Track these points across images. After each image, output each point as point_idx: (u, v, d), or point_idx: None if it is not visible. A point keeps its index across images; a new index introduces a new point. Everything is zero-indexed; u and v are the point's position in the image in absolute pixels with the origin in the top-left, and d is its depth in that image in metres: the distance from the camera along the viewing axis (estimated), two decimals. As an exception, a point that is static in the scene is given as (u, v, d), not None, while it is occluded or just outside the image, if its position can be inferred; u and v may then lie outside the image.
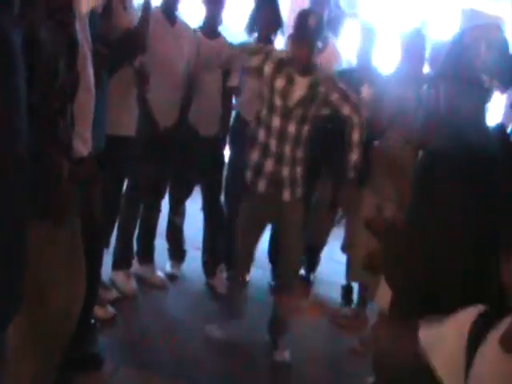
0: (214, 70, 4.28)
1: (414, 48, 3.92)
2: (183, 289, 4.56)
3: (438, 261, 1.81)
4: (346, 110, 3.58)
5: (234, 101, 4.55)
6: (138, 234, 4.40)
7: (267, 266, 4.64)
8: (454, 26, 5.60)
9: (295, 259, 3.82)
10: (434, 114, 2.20)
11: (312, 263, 4.74)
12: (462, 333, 1.46)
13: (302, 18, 3.53)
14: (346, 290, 4.54)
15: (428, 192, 1.89)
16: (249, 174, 3.68)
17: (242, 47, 4.10)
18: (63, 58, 1.84)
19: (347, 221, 4.41)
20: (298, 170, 3.65)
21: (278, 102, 3.53)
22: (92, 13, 2.71)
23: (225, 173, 4.57)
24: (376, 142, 4.08)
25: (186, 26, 4.22)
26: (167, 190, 4.52)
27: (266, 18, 4.34)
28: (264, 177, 3.62)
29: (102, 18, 3.11)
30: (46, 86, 1.77)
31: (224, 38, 4.38)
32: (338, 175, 4.07)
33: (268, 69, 3.54)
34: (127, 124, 3.66)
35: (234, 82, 4.32)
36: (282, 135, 3.56)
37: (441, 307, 1.61)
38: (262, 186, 3.64)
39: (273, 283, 4.57)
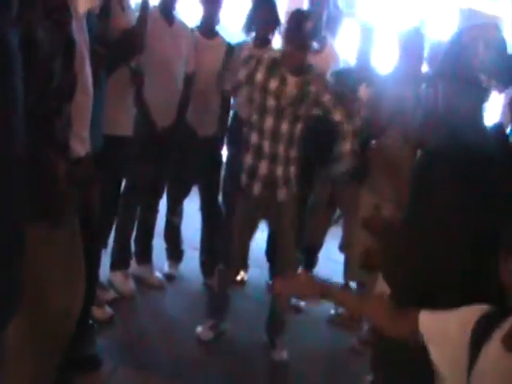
0: (211, 70, 4.27)
1: (412, 47, 3.92)
2: (181, 289, 4.55)
3: (435, 260, 1.81)
4: (337, 116, 3.60)
5: (231, 101, 4.54)
6: (136, 234, 4.40)
7: (265, 265, 4.63)
8: (451, 25, 5.60)
9: (292, 258, 3.82)
10: (433, 113, 2.19)
11: (310, 263, 4.74)
12: (466, 330, 1.46)
13: (296, 18, 3.54)
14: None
15: (426, 191, 1.89)
16: (243, 177, 3.69)
17: (234, 62, 4.15)
18: (60, 58, 1.84)
19: (345, 220, 4.41)
20: (292, 169, 3.67)
21: (270, 102, 3.54)
22: (90, 13, 2.71)
23: (222, 173, 4.57)
24: (374, 142, 4.08)
25: (184, 26, 4.21)
26: (165, 190, 4.52)
27: (263, 17, 4.33)
28: (259, 179, 3.64)
29: (100, 18, 3.10)
30: (43, 86, 1.77)
31: (222, 37, 4.38)
32: (331, 174, 4.09)
33: (260, 75, 3.56)
34: (124, 124, 3.65)
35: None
36: (274, 135, 3.57)
37: (439, 307, 1.61)
38: (257, 188, 3.64)
39: (270, 282, 4.57)
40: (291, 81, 3.54)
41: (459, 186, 1.82)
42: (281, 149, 3.59)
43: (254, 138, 3.62)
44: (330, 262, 4.89)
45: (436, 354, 1.53)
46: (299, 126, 3.60)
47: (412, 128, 3.71)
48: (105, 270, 4.01)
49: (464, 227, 1.80)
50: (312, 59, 4.24)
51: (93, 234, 2.83)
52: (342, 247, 4.43)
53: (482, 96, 1.94)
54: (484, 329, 1.44)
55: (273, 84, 3.53)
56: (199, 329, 3.87)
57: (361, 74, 4.11)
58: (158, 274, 4.52)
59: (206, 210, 4.58)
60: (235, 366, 3.68)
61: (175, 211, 4.64)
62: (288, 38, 3.57)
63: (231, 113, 4.57)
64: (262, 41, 4.34)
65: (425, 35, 4.03)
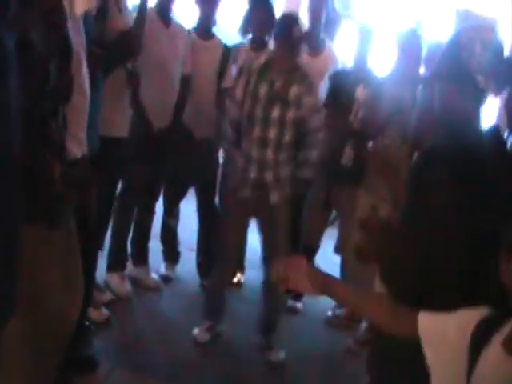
0: (208, 71, 4.27)
1: (410, 48, 3.93)
2: (178, 290, 4.55)
3: (433, 261, 1.81)
4: (312, 123, 3.64)
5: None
6: (133, 236, 4.39)
7: (261, 266, 4.63)
8: (448, 26, 5.61)
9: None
10: (430, 114, 2.19)
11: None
12: (465, 334, 1.45)
13: (285, 22, 3.58)
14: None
15: (423, 192, 1.89)
16: (233, 180, 3.73)
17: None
18: (56, 60, 1.83)
19: (341, 222, 4.41)
20: (283, 172, 3.68)
21: (259, 108, 3.57)
22: (87, 14, 2.71)
23: (219, 174, 4.57)
24: (371, 143, 4.08)
25: (181, 27, 4.21)
26: (161, 192, 4.51)
27: (259, 19, 4.33)
28: (248, 183, 3.66)
29: (97, 19, 3.10)
30: (39, 88, 1.76)
31: (218, 39, 4.38)
32: (328, 175, 4.11)
33: (252, 83, 3.59)
34: (120, 125, 3.65)
35: (228, 83, 4.31)
36: (263, 140, 3.60)
37: (437, 308, 1.61)
38: (246, 191, 3.67)
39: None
40: (279, 84, 3.57)
41: (456, 186, 1.82)
42: (269, 153, 3.61)
43: (243, 142, 3.65)
44: (327, 262, 4.88)
45: (432, 358, 1.52)
46: (289, 131, 3.61)
47: (409, 129, 3.71)
48: (101, 271, 4.00)
49: (461, 227, 1.80)
50: (311, 61, 4.27)
51: (89, 235, 2.83)
52: (338, 249, 4.43)
53: (479, 97, 1.95)
54: (484, 332, 1.43)
55: (262, 90, 3.56)
56: (196, 330, 3.87)
57: (358, 75, 4.12)
58: (154, 276, 4.52)
59: (203, 212, 4.57)
60: (232, 368, 3.67)
61: (172, 213, 4.64)
62: (277, 42, 3.62)
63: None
64: (259, 43, 4.34)
65: (422, 36, 4.04)
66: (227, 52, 4.34)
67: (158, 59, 3.94)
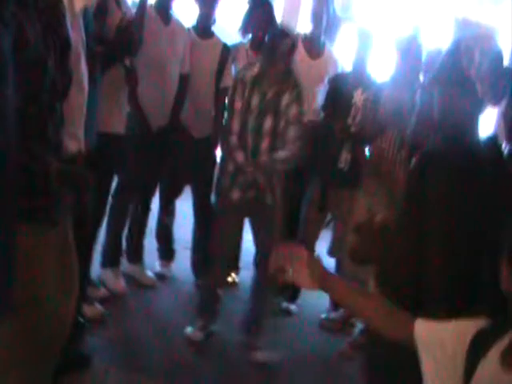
0: (206, 70, 4.26)
1: (409, 54, 3.93)
2: (172, 288, 4.55)
3: (429, 267, 1.81)
4: (290, 134, 3.65)
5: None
6: (128, 232, 4.39)
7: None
8: (447, 34, 5.61)
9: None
10: (428, 119, 2.19)
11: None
12: (462, 344, 1.44)
13: (273, 38, 3.60)
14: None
15: (421, 196, 1.88)
16: (224, 182, 3.76)
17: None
18: (53, 57, 1.82)
19: (336, 224, 4.40)
20: (276, 174, 3.71)
21: (251, 122, 3.61)
22: (86, 11, 2.70)
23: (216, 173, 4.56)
24: (369, 147, 4.08)
25: (181, 25, 4.20)
26: (157, 189, 4.50)
27: (259, 18, 4.33)
28: (241, 184, 3.68)
29: (96, 16, 3.09)
30: (35, 86, 1.75)
31: (217, 37, 4.37)
32: (326, 177, 4.10)
33: (246, 94, 3.62)
34: (117, 121, 3.63)
35: (226, 82, 4.30)
36: (255, 150, 3.63)
37: (433, 314, 1.60)
38: (239, 193, 3.68)
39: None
40: (270, 95, 3.61)
41: (454, 192, 1.82)
42: (262, 158, 3.64)
43: (234, 148, 3.67)
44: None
45: (428, 365, 1.51)
46: (282, 140, 3.65)
47: (407, 133, 3.71)
48: (95, 267, 4.00)
49: (458, 233, 1.80)
50: (311, 64, 4.27)
51: (84, 231, 2.81)
52: (332, 251, 4.42)
53: (477, 105, 1.94)
54: (481, 343, 1.42)
55: (254, 101, 3.61)
56: (189, 329, 3.86)
57: (357, 79, 4.12)
58: (149, 273, 4.51)
59: (199, 210, 4.57)
60: (225, 368, 3.67)
61: (167, 211, 4.63)
62: (266, 57, 3.64)
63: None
64: (258, 42, 4.33)
65: (422, 43, 4.03)
66: (226, 51, 4.33)
67: (157, 57, 3.93)
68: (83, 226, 2.58)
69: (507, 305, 1.43)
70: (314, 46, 4.46)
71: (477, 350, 1.41)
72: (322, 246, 4.55)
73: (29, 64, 1.67)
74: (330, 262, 4.46)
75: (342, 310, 4.44)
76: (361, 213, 3.87)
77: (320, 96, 4.24)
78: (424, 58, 3.96)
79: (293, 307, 4.54)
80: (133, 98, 3.83)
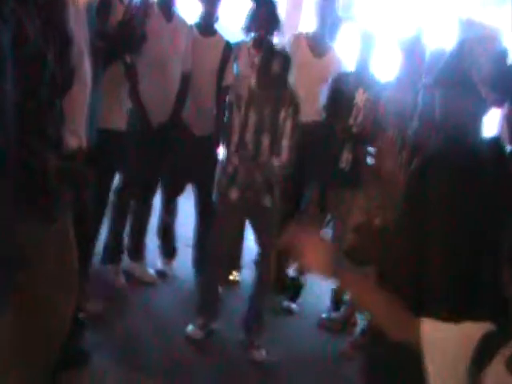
0: (208, 68, 4.25)
1: (412, 55, 3.92)
2: (173, 286, 4.55)
3: (430, 269, 1.80)
4: (284, 142, 3.68)
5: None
6: (129, 230, 4.38)
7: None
8: (450, 35, 5.59)
9: (271, 262, 3.85)
10: (430, 120, 2.18)
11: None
12: (467, 348, 1.42)
13: (266, 61, 3.62)
14: (336, 294, 4.53)
15: (421, 198, 1.87)
16: (222, 182, 3.79)
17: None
18: (52, 51, 1.81)
19: (335, 225, 4.39)
20: (275, 175, 3.72)
21: (249, 138, 3.65)
22: (89, 6, 2.70)
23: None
24: (370, 147, 4.08)
25: (183, 23, 4.19)
26: (159, 187, 4.50)
27: (263, 17, 4.32)
28: (237, 185, 3.69)
29: (99, 11, 3.09)
30: (34, 80, 1.74)
31: (220, 35, 4.37)
32: (326, 177, 4.10)
33: (242, 110, 3.65)
34: (117, 117, 3.63)
35: (228, 80, 4.30)
36: (254, 157, 3.67)
37: (435, 315, 1.59)
38: (237, 193, 3.69)
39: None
40: (267, 113, 3.65)
41: (455, 192, 1.81)
42: (262, 159, 3.67)
43: (233, 153, 3.71)
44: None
45: (432, 366, 1.50)
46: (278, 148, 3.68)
47: (409, 134, 3.70)
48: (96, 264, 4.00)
49: (460, 236, 1.79)
50: (314, 63, 4.27)
51: (85, 229, 2.81)
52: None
53: (480, 107, 1.93)
54: (487, 349, 1.40)
55: (251, 119, 3.64)
56: (190, 327, 3.86)
57: (358, 79, 4.11)
58: (150, 271, 4.51)
59: (201, 208, 4.56)
60: (225, 366, 3.67)
61: (169, 209, 4.63)
62: (259, 78, 3.66)
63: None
64: (262, 42, 4.32)
65: (425, 43, 4.02)
66: (229, 49, 4.33)
67: (158, 54, 3.92)
68: (83, 222, 2.58)
69: (508, 306, 1.42)
70: (318, 45, 4.46)
71: (482, 354, 1.40)
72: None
73: (28, 59, 1.66)
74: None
75: (342, 310, 4.44)
76: (360, 213, 3.86)
77: (322, 96, 4.24)
78: (427, 58, 3.94)
79: (294, 306, 4.53)
80: (134, 93, 3.82)
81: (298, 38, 4.58)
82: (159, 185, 4.47)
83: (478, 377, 1.39)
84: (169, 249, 4.71)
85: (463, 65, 1.88)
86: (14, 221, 1.50)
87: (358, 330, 4.22)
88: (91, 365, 3.29)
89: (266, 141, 3.65)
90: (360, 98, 4.02)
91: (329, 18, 4.42)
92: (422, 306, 1.75)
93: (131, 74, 3.62)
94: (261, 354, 3.78)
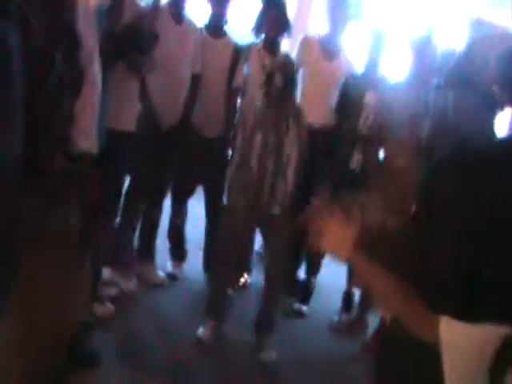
0: (218, 70, 4.25)
1: (423, 55, 3.90)
2: (183, 289, 4.54)
3: (444, 274, 1.78)
4: (289, 172, 3.72)
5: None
6: (139, 232, 4.38)
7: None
8: (461, 35, 5.57)
9: (281, 269, 3.86)
10: (442, 122, 2.17)
11: (313, 267, 4.71)
12: (488, 351, 1.40)
13: (269, 76, 3.65)
14: (347, 296, 4.51)
15: (434, 201, 1.86)
16: (230, 190, 3.84)
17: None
18: (60, 52, 1.81)
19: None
20: (285, 183, 3.73)
21: (254, 161, 3.69)
22: (100, 7, 2.70)
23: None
24: (380, 149, 4.06)
25: (193, 25, 4.20)
26: (169, 190, 4.50)
27: (272, 19, 4.31)
28: (247, 192, 3.71)
29: (109, 13, 3.09)
30: (41, 77, 1.74)
31: (229, 37, 4.36)
32: (336, 178, 4.09)
33: (247, 133, 3.71)
34: (127, 118, 3.63)
35: (238, 82, 4.29)
36: (261, 167, 3.70)
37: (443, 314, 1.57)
38: (243, 198, 3.72)
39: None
40: (272, 137, 3.68)
41: (468, 196, 1.79)
42: (269, 167, 3.69)
43: (239, 167, 3.77)
44: (334, 266, 4.85)
45: (451, 368, 1.48)
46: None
47: (420, 136, 3.69)
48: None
49: (474, 241, 1.77)
50: (326, 65, 4.26)
51: (95, 230, 2.81)
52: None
53: (492, 106, 1.92)
54: (508, 353, 1.38)
55: (257, 141, 3.68)
56: (200, 330, 3.85)
57: (368, 80, 4.10)
58: (160, 273, 4.50)
59: (211, 211, 4.55)
60: (232, 368, 3.67)
61: (179, 211, 4.62)
62: (264, 96, 3.71)
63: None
64: (271, 43, 4.32)
65: (436, 43, 4.01)
66: (238, 51, 4.32)
67: (167, 56, 3.92)
68: (93, 225, 2.58)
69: None
70: (330, 47, 4.44)
71: (502, 359, 1.37)
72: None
73: (34, 55, 1.66)
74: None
75: (353, 312, 4.43)
76: (372, 214, 3.84)
77: (333, 98, 4.24)
78: (438, 58, 3.93)
79: (304, 308, 4.52)
80: (144, 95, 3.82)
81: (309, 40, 4.55)
82: (169, 187, 4.47)
83: (499, 379, 1.37)
84: (179, 252, 4.71)
85: (473, 64, 1.87)
86: (17, 221, 1.49)
87: (369, 332, 4.20)
88: (100, 367, 3.29)
89: (270, 162, 3.68)
90: (370, 99, 4.01)
91: (340, 21, 4.41)
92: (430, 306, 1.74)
93: (141, 77, 3.62)
94: (271, 356, 3.77)
